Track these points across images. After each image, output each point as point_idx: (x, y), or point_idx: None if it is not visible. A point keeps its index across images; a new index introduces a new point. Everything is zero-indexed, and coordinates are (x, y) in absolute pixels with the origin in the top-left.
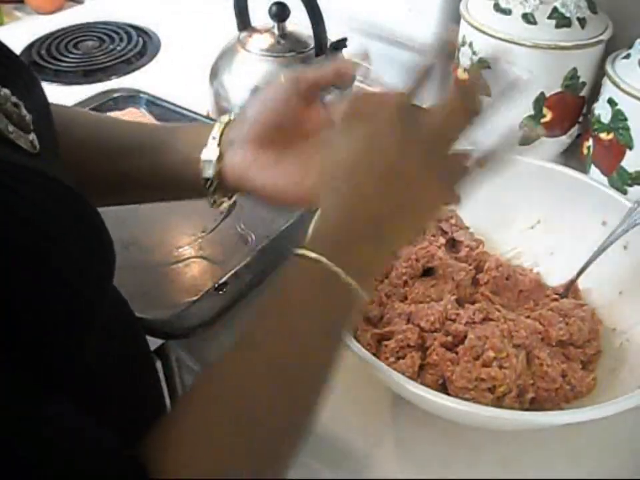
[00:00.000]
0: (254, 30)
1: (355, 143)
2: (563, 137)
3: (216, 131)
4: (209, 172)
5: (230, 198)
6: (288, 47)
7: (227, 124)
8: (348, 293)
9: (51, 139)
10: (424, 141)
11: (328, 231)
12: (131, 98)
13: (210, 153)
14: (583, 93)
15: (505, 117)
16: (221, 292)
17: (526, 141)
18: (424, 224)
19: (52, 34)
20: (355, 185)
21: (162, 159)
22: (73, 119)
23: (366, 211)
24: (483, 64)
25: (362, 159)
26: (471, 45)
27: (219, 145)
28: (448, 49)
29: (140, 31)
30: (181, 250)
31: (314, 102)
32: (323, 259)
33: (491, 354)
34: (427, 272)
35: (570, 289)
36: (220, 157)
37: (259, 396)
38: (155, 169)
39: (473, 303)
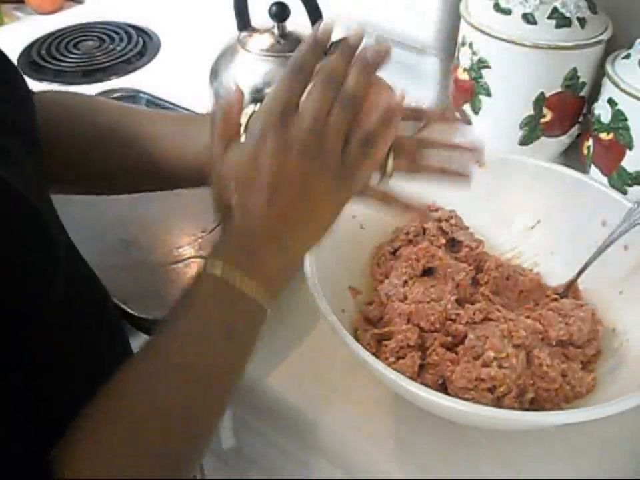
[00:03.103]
0: (254, 30)
1: (239, 158)
2: (563, 137)
3: (242, 119)
4: None
5: None
6: (288, 47)
7: (251, 114)
8: (245, 298)
9: (16, 124)
10: (303, 140)
11: (226, 240)
12: (131, 98)
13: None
14: (583, 93)
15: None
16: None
17: (527, 140)
18: (325, 223)
19: (52, 34)
20: (244, 195)
21: (186, 145)
22: (97, 107)
23: (259, 219)
24: (483, 64)
25: (246, 170)
26: (470, 45)
27: (244, 132)
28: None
29: (140, 30)
30: (181, 250)
31: None
32: (219, 269)
33: (491, 354)
34: (427, 272)
35: (570, 288)
36: None
37: (159, 400)
38: (180, 155)
39: (472, 303)
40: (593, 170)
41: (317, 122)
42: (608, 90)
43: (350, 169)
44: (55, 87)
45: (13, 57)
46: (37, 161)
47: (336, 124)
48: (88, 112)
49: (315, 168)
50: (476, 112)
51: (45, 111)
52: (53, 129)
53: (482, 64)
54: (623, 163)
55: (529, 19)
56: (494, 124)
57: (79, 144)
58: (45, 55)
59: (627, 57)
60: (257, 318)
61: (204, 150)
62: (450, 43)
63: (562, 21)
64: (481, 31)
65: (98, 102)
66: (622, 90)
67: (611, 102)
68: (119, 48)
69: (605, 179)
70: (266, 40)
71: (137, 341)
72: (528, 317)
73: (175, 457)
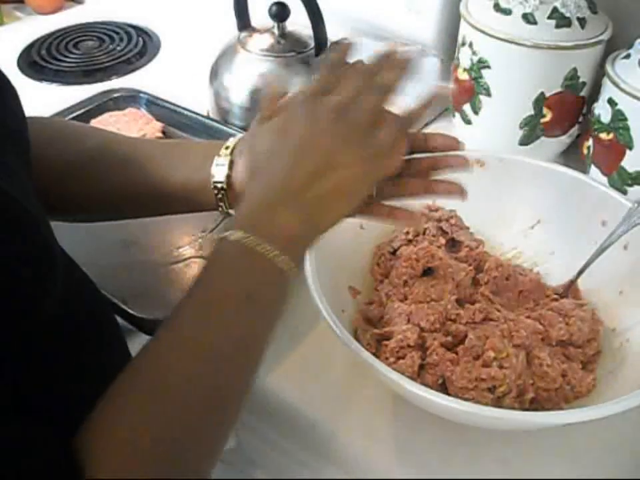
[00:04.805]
0: (254, 30)
1: (269, 130)
2: (563, 137)
3: (230, 142)
4: (219, 177)
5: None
6: (288, 47)
7: (240, 138)
8: (264, 262)
9: (11, 138)
10: (333, 110)
11: (245, 207)
12: (131, 98)
13: (221, 160)
14: (583, 92)
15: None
16: None
17: (527, 140)
18: (352, 196)
19: (52, 34)
20: (270, 162)
21: (172, 169)
22: (84, 133)
23: (281, 182)
24: (483, 64)
25: (275, 139)
26: (471, 45)
27: (230, 154)
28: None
29: (140, 30)
30: (181, 250)
31: None
32: (237, 234)
33: (491, 354)
34: (427, 272)
35: (570, 288)
36: (230, 165)
37: (181, 375)
38: (165, 178)
39: (472, 303)
40: (593, 170)
41: (346, 97)
42: (608, 90)
43: (381, 146)
44: (55, 87)
45: (13, 56)
46: (30, 176)
47: (366, 101)
48: (75, 137)
49: (342, 135)
50: (476, 112)
51: (32, 134)
52: (40, 153)
53: (482, 64)
54: (623, 163)
55: (529, 18)
56: (494, 124)
57: (65, 168)
58: (45, 54)
59: (627, 57)
60: (278, 283)
61: (192, 172)
62: (450, 43)
63: (562, 20)
64: (481, 31)
65: (85, 128)
66: (622, 90)
67: (610, 102)
68: (119, 48)
69: (605, 179)
70: (266, 40)
71: (137, 341)
72: (528, 317)
73: (197, 438)
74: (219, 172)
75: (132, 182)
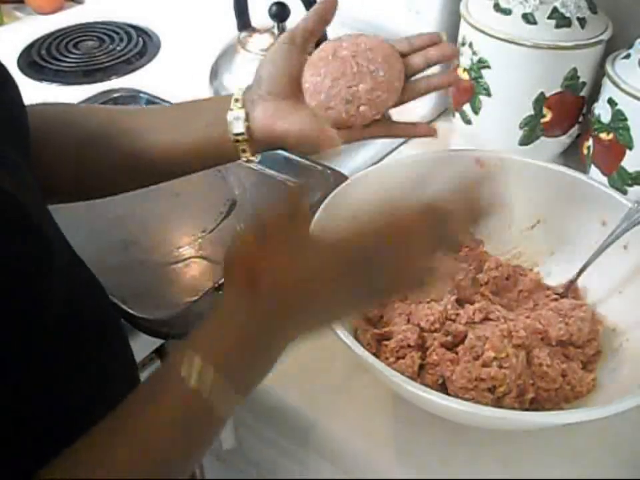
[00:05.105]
0: (254, 30)
1: (295, 278)
2: (563, 137)
3: (237, 94)
4: (238, 129)
5: (258, 153)
6: None
7: (246, 89)
8: (216, 413)
9: (11, 130)
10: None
11: (218, 338)
12: (131, 98)
13: (235, 113)
14: (583, 92)
15: None
16: (220, 292)
17: (527, 140)
18: (322, 329)
19: (52, 34)
20: (279, 308)
21: (188, 126)
22: (87, 111)
23: (267, 326)
24: (483, 64)
25: (294, 293)
26: (471, 45)
27: (242, 106)
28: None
29: (140, 30)
30: (181, 250)
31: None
32: (207, 382)
33: (491, 354)
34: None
35: (570, 288)
36: (246, 115)
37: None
38: (182, 137)
39: (472, 303)
40: (593, 170)
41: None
42: (608, 90)
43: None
44: (55, 87)
45: (13, 56)
46: (30, 166)
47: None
48: (80, 117)
49: (361, 294)
50: (476, 112)
51: (35, 120)
52: (45, 137)
53: (482, 64)
54: (623, 163)
55: (529, 18)
56: (494, 124)
57: (71, 146)
58: (45, 55)
59: (627, 56)
60: (221, 427)
61: (208, 126)
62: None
63: (562, 20)
64: (481, 31)
65: (89, 107)
66: (622, 90)
67: (610, 102)
68: (118, 48)
69: (605, 179)
70: (266, 40)
71: (137, 341)
72: (528, 317)
73: None
74: (236, 124)
75: (136, 148)
